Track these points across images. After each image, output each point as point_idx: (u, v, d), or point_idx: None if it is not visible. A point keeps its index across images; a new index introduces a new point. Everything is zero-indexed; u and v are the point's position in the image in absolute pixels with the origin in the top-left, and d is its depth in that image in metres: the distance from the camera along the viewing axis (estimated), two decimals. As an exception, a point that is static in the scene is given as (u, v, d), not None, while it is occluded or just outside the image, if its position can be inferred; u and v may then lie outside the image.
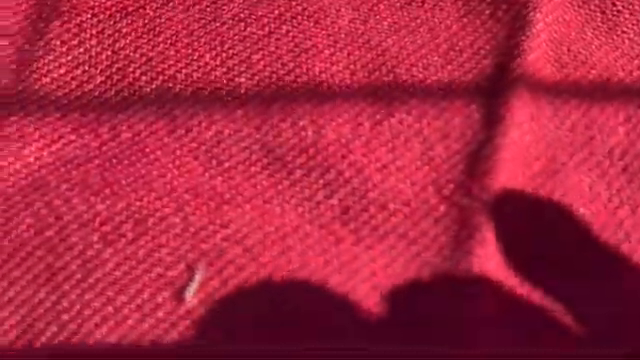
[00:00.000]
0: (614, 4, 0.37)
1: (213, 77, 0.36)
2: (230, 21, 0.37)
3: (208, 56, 0.37)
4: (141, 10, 0.38)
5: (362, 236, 0.31)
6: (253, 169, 0.33)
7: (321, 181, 0.33)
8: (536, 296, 0.29)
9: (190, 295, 0.29)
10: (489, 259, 0.30)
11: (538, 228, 0.31)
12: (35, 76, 0.36)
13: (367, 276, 0.30)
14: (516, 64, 0.34)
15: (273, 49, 0.37)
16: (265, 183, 0.33)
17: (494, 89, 0.34)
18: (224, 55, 0.37)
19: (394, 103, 0.35)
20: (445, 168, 0.33)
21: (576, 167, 0.32)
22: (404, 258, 0.30)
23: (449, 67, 0.35)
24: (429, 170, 0.33)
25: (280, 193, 0.32)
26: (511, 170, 0.32)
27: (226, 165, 0.33)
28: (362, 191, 0.32)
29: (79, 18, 0.38)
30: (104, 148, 0.34)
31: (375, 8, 0.38)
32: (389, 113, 0.34)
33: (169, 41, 0.37)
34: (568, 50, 0.35)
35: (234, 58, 0.37)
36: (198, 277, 0.29)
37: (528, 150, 0.33)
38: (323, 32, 0.37)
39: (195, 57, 0.37)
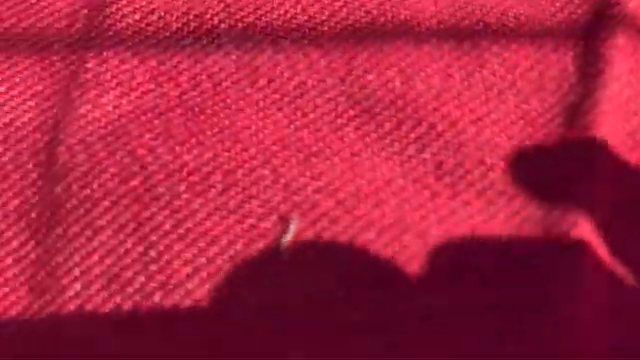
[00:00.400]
0: None
1: (294, 25, 0.35)
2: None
3: (288, 3, 0.35)
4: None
5: (459, 191, 0.30)
6: (340, 121, 0.32)
7: (412, 135, 0.31)
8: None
9: (285, 246, 0.28)
10: (586, 223, 0.29)
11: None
12: (109, 21, 0.35)
13: (467, 232, 0.29)
14: (615, 11, 0.33)
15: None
16: (353, 135, 0.32)
17: (590, 39, 0.33)
18: (305, 2, 0.35)
19: (485, 54, 0.33)
20: (541, 122, 0.32)
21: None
22: (504, 214, 0.29)
23: (541, 15, 0.34)
24: (525, 124, 0.32)
25: (369, 146, 0.31)
26: (611, 124, 0.31)
27: (311, 117, 0.32)
28: (456, 145, 0.31)
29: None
30: (184, 97, 0.33)
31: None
32: (480, 64, 0.33)
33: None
34: None
35: (315, 5, 0.35)
36: (293, 228, 0.28)
37: (628, 104, 0.32)
38: (408, -23, 0.35)
39: (275, 4, 0.36)
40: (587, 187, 0.29)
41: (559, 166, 0.30)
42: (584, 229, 0.28)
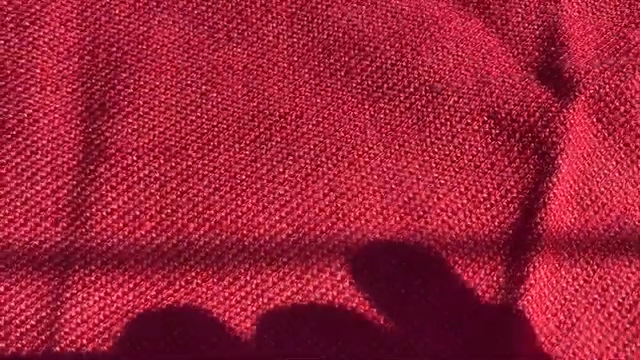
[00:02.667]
0: (638, 135, 0.40)
1: (256, 223, 0.39)
2: (269, 162, 0.40)
3: (250, 201, 0.39)
4: (184, 151, 0.40)
5: None
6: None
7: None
8: None
9: None
10: None
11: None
12: (88, 226, 0.39)
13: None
14: (542, 214, 0.37)
15: (310, 193, 0.39)
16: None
17: (518, 243, 0.38)
18: (265, 200, 0.39)
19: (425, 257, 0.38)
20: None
21: (589, 322, 0.36)
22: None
23: (477, 211, 0.38)
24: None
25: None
26: (528, 331, 0.36)
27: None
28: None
29: (125, 161, 0.40)
30: (160, 297, 0.37)
31: (406, 144, 0.40)
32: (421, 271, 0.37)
33: (213, 186, 0.39)
34: (589, 191, 0.38)
35: (275, 203, 0.39)
36: None
37: (547, 307, 0.37)
38: (357, 174, 0.39)
39: (239, 202, 0.39)
40: None
41: None
42: None
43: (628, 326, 0.36)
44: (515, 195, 0.38)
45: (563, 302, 0.37)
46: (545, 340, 0.35)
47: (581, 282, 0.37)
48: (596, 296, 0.37)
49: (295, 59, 0.41)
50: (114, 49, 0.42)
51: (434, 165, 0.39)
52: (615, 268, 0.37)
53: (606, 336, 0.36)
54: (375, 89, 0.40)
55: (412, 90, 0.40)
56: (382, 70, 0.40)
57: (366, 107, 0.40)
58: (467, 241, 0.37)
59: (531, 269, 0.37)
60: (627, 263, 0.37)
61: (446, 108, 0.39)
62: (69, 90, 0.41)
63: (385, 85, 0.40)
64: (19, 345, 0.36)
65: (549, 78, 0.39)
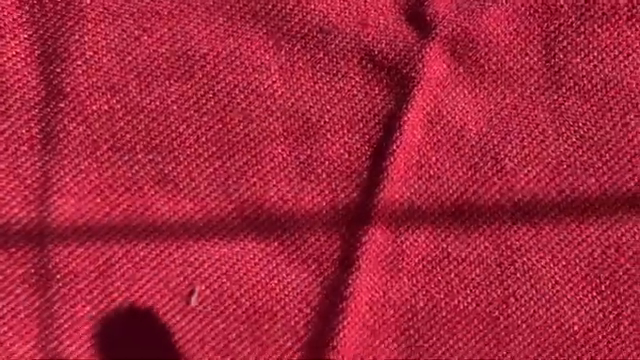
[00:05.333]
0: (481, 65, 0.51)
1: (183, 146, 0.49)
2: (194, 96, 0.50)
3: (181, 127, 0.50)
4: (125, 88, 0.50)
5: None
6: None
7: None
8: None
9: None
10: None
11: None
12: (57, 150, 0.49)
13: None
14: (399, 132, 0.48)
15: (228, 120, 0.50)
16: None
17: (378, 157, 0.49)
18: (191, 128, 0.49)
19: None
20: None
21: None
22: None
23: (352, 130, 0.50)
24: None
25: None
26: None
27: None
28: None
29: (79, 98, 0.49)
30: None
31: (302, 78, 0.51)
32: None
33: (151, 115, 0.50)
34: (438, 112, 0.49)
35: (200, 129, 0.50)
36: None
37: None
38: (263, 104, 0.50)
39: (173, 129, 0.50)
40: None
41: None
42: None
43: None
44: (380, 118, 0.49)
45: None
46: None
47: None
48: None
49: (211, 4, 0.50)
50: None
51: (323, 94, 0.50)
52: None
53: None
54: (276, 31, 0.50)
55: (306, 32, 0.50)
56: (282, 14, 0.50)
57: (270, 46, 0.50)
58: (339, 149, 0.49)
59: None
60: (465, 171, 0.49)
61: (333, 47, 0.49)
62: (25, 36, 0.50)
63: (285, 27, 0.50)
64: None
65: (415, 20, 0.50)
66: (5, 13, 0.50)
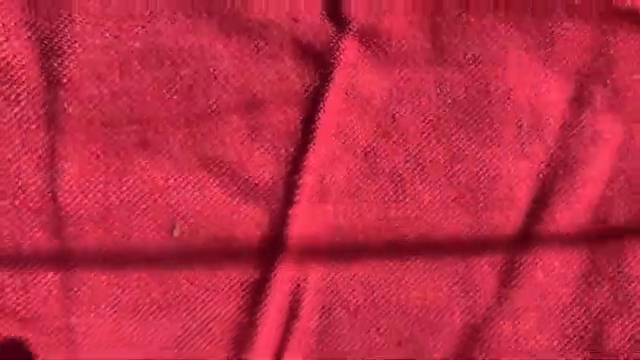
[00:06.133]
0: (386, 52, 0.66)
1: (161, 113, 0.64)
2: (163, 79, 0.64)
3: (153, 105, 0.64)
4: (110, 74, 0.63)
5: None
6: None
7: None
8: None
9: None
10: None
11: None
12: (62, 121, 0.62)
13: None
14: (321, 108, 0.64)
15: (191, 97, 0.64)
16: None
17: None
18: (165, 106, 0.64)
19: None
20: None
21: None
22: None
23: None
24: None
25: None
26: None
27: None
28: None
29: (78, 75, 0.63)
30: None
31: (248, 63, 0.65)
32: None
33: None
34: (353, 89, 0.64)
35: (173, 109, 0.64)
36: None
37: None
38: (218, 85, 0.64)
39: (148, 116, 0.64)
40: None
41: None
42: None
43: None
44: (309, 93, 0.64)
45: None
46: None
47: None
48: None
49: (175, 6, 0.64)
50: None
51: (265, 75, 0.64)
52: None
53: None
54: (227, 26, 0.64)
55: (250, 26, 0.64)
56: (232, 13, 0.64)
57: (222, 38, 0.64)
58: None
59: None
60: (372, 128, 0.64)
61: (271, 38, 0.64)
62: (26, 37, 0.63)
63: (234, 23, 0.64)
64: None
65: (334, 17, 0.65)
66: (8, 19, 0.63)
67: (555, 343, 0.63)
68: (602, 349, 0.62)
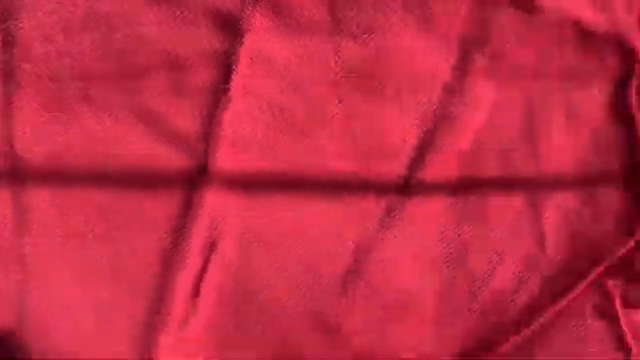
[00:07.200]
0: (298, 21, 0.76)
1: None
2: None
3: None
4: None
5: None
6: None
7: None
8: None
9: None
10: None
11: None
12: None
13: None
14: (236, 69, 0.74)
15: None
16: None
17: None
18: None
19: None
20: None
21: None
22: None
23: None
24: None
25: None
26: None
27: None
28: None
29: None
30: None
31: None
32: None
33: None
34: (259, 52, 0.74)
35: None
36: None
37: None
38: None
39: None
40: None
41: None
42: None
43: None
44: (225, 54, 0.74)
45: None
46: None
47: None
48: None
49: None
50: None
51: (187, 39, 0.74)
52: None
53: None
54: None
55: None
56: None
57: (150, 7, 0.74)
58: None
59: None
60: (275, 82, 0.75)
61: (192, 7, 0.73)
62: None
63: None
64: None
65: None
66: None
67: (433, 284, 0.74)
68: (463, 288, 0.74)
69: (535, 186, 0.74)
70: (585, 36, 0.74)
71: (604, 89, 0.75)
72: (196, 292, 0.73)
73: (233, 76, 0.73)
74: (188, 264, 0.74)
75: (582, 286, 0.72)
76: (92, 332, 0.71)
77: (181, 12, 0.73)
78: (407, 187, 0.74)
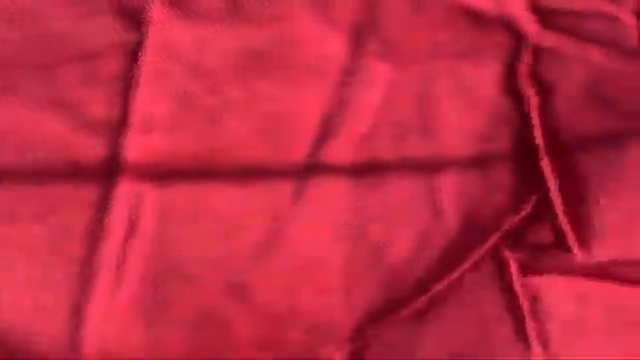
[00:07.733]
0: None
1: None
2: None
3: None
4: None
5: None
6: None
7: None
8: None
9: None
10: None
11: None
12: None
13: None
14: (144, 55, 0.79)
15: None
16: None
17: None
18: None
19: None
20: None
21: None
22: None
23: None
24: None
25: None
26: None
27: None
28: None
29: None
30: None
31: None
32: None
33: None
34: (178, 43, 0.79)
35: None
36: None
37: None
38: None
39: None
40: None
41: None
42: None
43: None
44: (132, 45, 0.78)
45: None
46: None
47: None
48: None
49: None
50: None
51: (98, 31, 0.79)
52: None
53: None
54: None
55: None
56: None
57: (60, 2, 0.78)
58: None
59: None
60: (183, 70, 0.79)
61: (97, 2, 0.78)
62: None
63: None
64: None
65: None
66: None
67: (338, 253, 0.78)
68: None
69: (430, 163, 0.78)
70: (474, 18, 0.79)
71: (495, 68, 0.79)
72: (120, 266, 0.77)
73: (140, 64, 0.77)
74: (110, 244, 0.77)
75: (477, 255, 0.76)
76: (27, 309, 0.74)
77: (89, 8, 0.78)
78: (312, 168, 0.78)
